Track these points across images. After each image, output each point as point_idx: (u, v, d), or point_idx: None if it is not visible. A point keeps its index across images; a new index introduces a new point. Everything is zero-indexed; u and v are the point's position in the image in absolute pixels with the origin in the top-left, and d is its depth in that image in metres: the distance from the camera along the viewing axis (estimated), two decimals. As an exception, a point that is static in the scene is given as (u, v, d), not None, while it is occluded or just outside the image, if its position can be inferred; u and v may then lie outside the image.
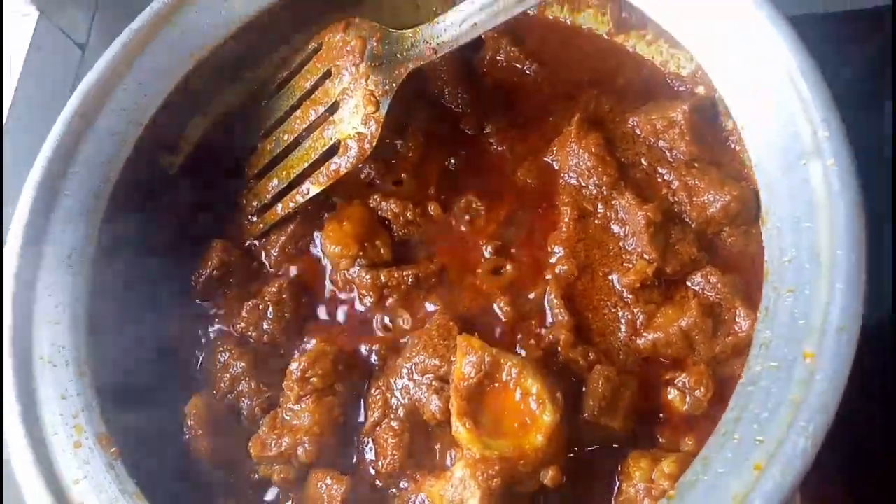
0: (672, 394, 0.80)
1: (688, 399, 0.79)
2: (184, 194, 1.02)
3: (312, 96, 0.97)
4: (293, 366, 0.85)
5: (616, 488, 0.77)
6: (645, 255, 0.84)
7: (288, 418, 0.84)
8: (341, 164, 0.92)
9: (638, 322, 0.84)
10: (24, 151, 0.94)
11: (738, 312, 0.81)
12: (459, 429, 0.74)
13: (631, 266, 0.85)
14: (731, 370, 0.80)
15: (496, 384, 0.76)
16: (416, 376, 0.82)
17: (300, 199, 0.95)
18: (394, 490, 0.82)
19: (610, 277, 0.87)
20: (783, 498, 0.61)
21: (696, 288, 0.83)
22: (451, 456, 0.80)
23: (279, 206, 0.97)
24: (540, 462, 0.72)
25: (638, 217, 0.85)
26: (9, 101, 1.13)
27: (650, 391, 0.81)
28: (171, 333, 0.95)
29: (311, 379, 0.84)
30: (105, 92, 0.95)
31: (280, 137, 0.99)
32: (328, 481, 0.80)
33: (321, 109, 0.96)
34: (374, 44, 0.93)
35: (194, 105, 1.03)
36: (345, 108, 0.93)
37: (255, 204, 1.00)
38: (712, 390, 0.78)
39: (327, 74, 0.96)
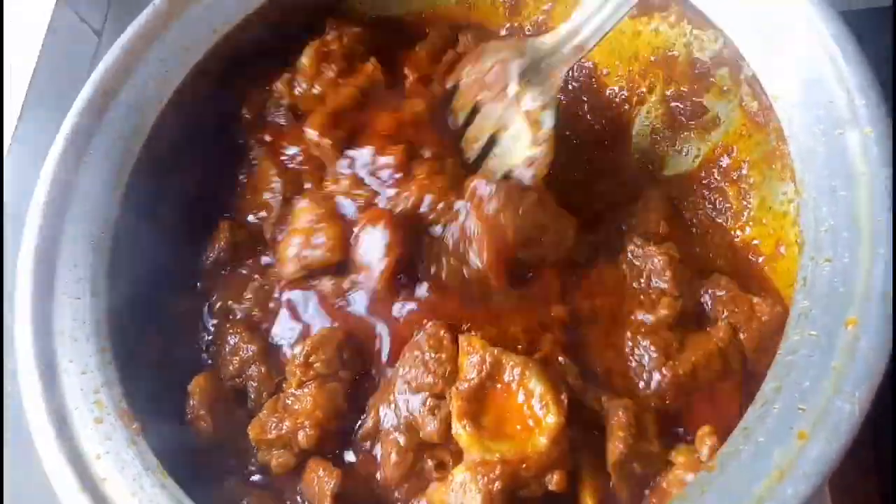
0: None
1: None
2: (198, 174, 1.01)
3: (463, 140, 0.90)
4: (296, 349, 0.84)
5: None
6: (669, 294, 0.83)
7: (289, 402, 0.82)
8: None
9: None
10: (42, 135, 0.92)
11: (754, 301, 0.81)
12: (459, 431, 0.72)
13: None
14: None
15: (498, 385, 0.74)
16: (409, 395, 0.78)
17: None
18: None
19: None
20: (831, 465, 0.60)
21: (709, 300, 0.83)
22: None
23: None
24: (544, 466, 0.70)
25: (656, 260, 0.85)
26: (25, 85, 1.12)
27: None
28: (182, 311, 0.94)
29: (315, 364, 0.82)
30: (128, 67, 0.94)
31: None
32: (321, 472, 0.78)
33: (476, 147, 0.89)
34: (516, 61, 0.85)
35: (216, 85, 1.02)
36: (505, 139, 0.86)
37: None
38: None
39: (474, 112, 0.89)
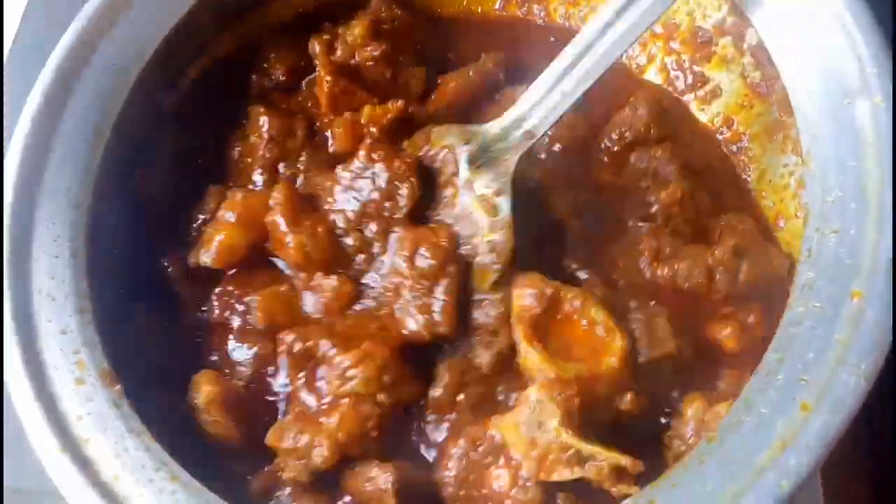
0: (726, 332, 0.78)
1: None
2: (181, 136, 0.97)
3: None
4: (338, 358, 0.75)
5: (666, 423, 0.74)
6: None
7: (314, 414, 0.75)
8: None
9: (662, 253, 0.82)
10: (27, 87, 0.88)
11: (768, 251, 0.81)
12: (530, 352, 0.72)
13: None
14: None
15: (559, 316, 0.74)
16: None
17: None
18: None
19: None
20: (834, 437, 0.59)
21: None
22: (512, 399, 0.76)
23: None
24: (617, 385, 0.70)
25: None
26: (11, 38, 1.07)
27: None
28: (172, 279, 0.90)
29: (351, 381, 0.74)
30: (108, 21, 0.89)
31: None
32: (374, 473, 0.71)
33: None
34: (463, 147, 0.83)
35: (197, 43, 0.98)
36: (465, 227, 0.82)
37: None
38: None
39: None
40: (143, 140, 0.92)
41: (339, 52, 0.95)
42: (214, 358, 0.85)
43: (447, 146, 0.84)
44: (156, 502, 0.66)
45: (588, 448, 0.67)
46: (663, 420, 0.75)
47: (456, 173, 0.83)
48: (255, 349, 0.83)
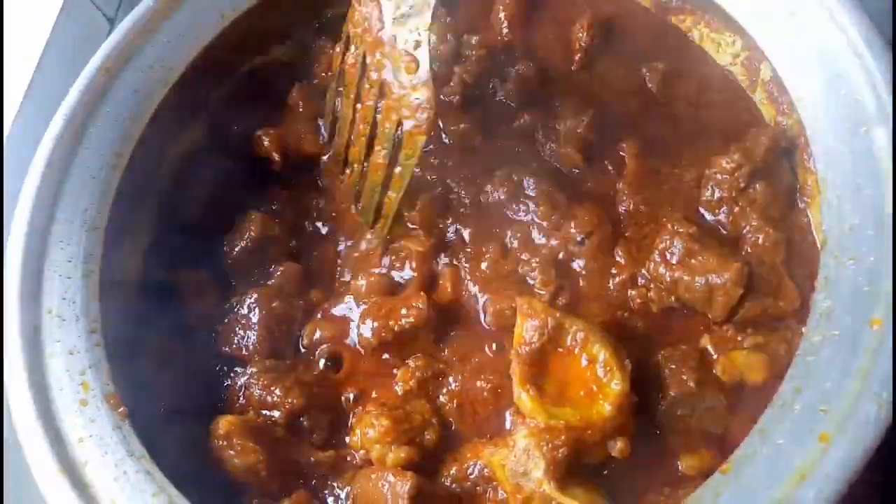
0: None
1: None
2: (204, 163, 0.98)
3: (364, 88, 0.88)
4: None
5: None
6: None
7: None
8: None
9: (670, 254, 0.78)
10: (43, 121, 0.90)
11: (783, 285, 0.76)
12: (522, 396, 0.70)
13: None
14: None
15: (560, 349, 0.72)
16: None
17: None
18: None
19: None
20: (855, 469, 0.57)
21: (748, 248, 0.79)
22: (509, 420, 0.75)
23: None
24: (608, 432, 0.68)
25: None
26: (33, 67, 1.10)
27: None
28: (189, 305, 0.89)
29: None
30: (132, 49, 0.92)
31: (354, 141, 0.91)
32: (391, 478, 0.72)
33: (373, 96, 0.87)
34: (388, 2, 0.82)
35: (221, 71, 1.00)
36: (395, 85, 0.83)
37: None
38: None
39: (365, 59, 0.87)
40: (160, 168, 0.93)
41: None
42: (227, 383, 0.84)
43: (376, 4, 0.83)
44: (152, 527, 0.65)
45: (569, 502, 0.66)
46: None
47: (380, 30, 0.82)
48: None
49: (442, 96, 0.94)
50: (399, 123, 0.83)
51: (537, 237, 0.85)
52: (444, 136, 0.95)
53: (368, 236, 0.91)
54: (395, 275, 0.88)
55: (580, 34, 0.96)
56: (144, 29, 0.93)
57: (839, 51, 0.75)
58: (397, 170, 0.86)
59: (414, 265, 0.87)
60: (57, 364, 0.75)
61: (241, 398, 0.82)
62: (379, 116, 0.86)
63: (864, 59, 0.72)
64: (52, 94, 1.03)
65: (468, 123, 0.94)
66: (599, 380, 0.70)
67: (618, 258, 0.82)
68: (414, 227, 0.90)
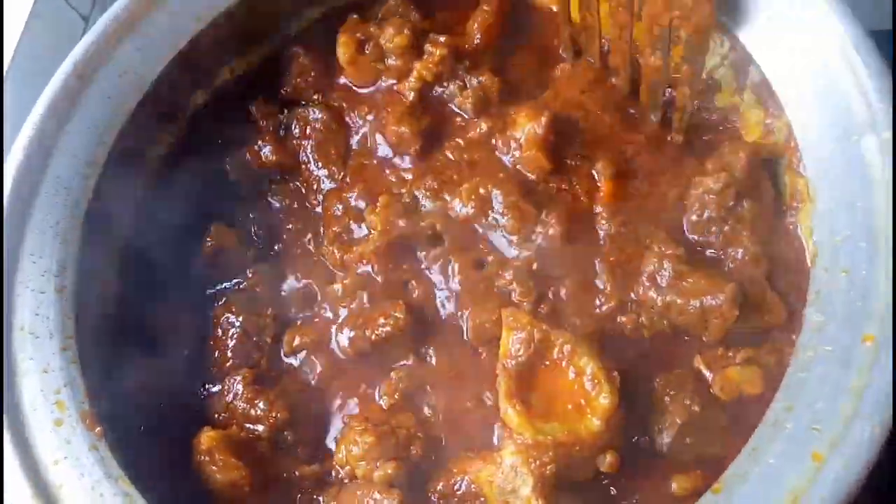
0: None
1: None
2: (180, 170, 0.95)
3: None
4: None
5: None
6: None
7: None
8: None
9: (660, 277, 0.76)
10: (20, 118, 0.87)
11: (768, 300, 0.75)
12: (509, 411, 0.69)
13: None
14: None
15: (547, 362, 0.71)
16: None
17: None
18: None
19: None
20: (850, 490, 0.55)
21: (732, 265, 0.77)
22: (496, 432, 0.74)
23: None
24: (597, 447, 0.67)
25: None
26: (6, 66, 1.07)
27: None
28: (165, 318, 0.87)
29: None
30: (104, 53, 0.88)
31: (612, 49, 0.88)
32: (377, 496, 0.71)
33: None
34: None
35: (196, 76, 0.97)
36: None
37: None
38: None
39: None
40: (136, 175, 0.90)
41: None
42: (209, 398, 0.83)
43: None
44: (129, 552, 0.63)
45: None
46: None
47: None
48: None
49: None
50: (669, 25, 0.78)
51: (508, 249, 0.83)
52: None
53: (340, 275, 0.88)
54: (373, 280, 0.86)
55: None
56: (119, 30, 0.90)
57: (827, 55, 0.73)
58: (684, 67, 0.81)
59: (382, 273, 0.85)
60: (30, 383, 0.72)
61: (225, 412, 0.81)
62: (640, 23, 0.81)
63: (854, 63, 0.71)
64: (24, 97, 1.00)
65: (410, 127, 0.91)
66: (587, 393, 0.69)
67: (602, 286, 0.79)
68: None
